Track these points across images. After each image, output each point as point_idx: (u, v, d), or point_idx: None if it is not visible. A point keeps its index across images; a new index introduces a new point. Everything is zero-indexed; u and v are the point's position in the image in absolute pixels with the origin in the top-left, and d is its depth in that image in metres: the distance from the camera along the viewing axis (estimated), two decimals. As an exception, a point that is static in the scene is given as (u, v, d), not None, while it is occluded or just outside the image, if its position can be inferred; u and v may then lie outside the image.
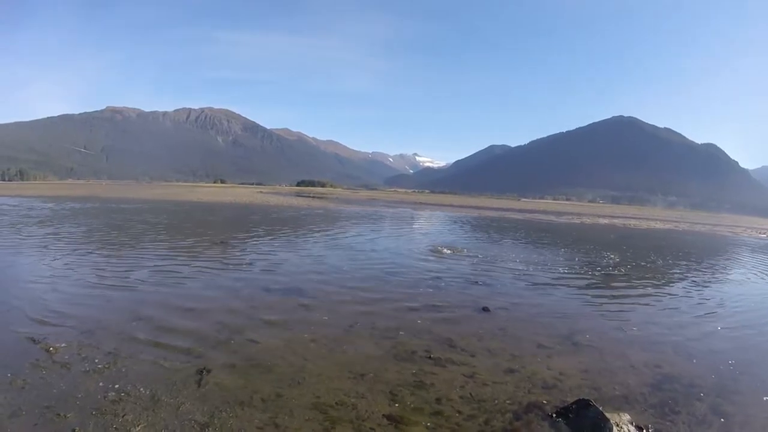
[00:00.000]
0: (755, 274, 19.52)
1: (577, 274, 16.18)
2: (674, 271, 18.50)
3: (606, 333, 9.44)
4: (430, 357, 7.42)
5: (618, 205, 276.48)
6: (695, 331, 9.92)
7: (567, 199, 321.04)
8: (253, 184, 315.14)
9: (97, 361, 6.59)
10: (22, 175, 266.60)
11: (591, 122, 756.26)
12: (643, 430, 5.43)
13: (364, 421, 5.34)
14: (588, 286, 14.24)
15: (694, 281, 16.37)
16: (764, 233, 54.59)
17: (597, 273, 16.56)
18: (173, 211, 38.67)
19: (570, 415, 5.59)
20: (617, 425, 5.28)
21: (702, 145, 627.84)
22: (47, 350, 6.88)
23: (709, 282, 16.59)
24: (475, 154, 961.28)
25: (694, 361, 8.01)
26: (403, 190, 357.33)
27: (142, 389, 5.79)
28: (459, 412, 5.69)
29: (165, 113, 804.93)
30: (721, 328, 10.35)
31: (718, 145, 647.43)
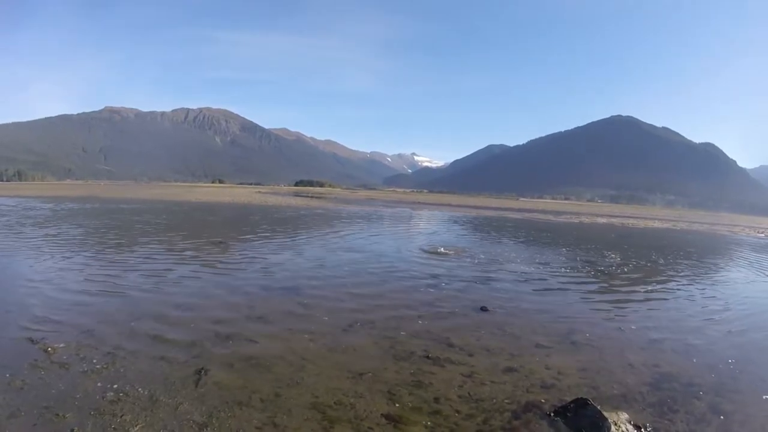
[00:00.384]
0: (754, 273, 19.54)
1: (577, 273, 16.18)
2: (674, 270, 18.50)
3: (604, 332, 9.44)
4: (428, 357, 7.42)
5: (616, 204, 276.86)
6: (694, 330, 9.92)
7: (566, 199, 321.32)
8: (251, 184, 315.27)
9: (95, 361, 6.59)
10: (20, 176, 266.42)
11: (589, 122, 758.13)
12: (641, 428, 5.44)
13: (362, 421, 5.34)
14: (587, 286, 14.23)
15: (694, 280, 16.38)
16: (762, 232, 54.63)
17: (597, 272, 16.56)
18: (172, 212, 38.64)
19: (568, 414, 5.59)
20: (615, 424, 5.28)
21: (700, 144, 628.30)
22: (46, 351, 6.87)
23: (708, 281, 16.60)
24: (473, 153, 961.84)
25: (693, 360, 8.01)
26: (402, 189, 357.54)
27: (140, 389, 5.79)
28: (457, 411, 5.69)
29: (163, 113, 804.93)
30: (720, 327, 10.36)
31: (717, 144, 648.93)
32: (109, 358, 6.70)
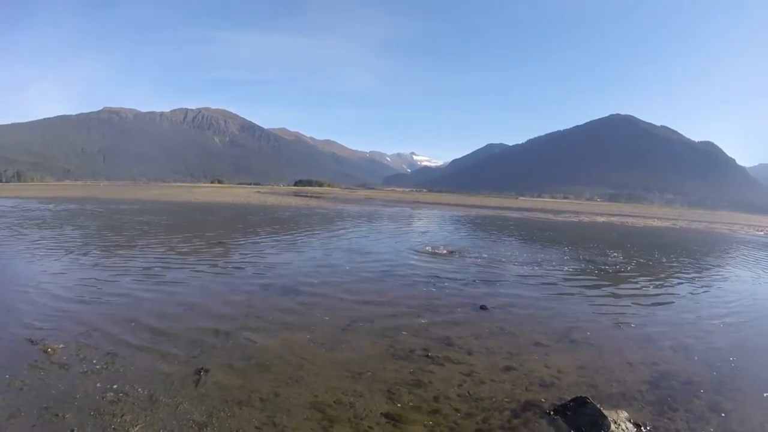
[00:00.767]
0: (754, 271, 19.56)
1: (577, 272, 16.20)
2: (675, 268, 18.52)
3: (604, 330, 9.45)
4: (428, 355, 7.43)
5: (615, 203, 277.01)
6: (693, 328, 9.93)
7: (565, 198, 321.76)
8: (250, 184, 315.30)
9: (95, 361, 6.59)
10: (19, 177, 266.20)
11: (588, 120, 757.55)
12: (640, 427, 5.44)
13: (362, 420, 5.35)
14: (587, 284, 14.24)
15: (693, 279, 16.41)
16: (762, 230, 54.73)
17: (597, 271, 16.58)
18: (171, 212, 38.62)
19: (568, 413, 5.60)
20: (615, 422, 5.29)
21: (699, 143, 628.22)
22: (45, 351, 6.87)
23: (707, 279, 16.62)
24: (472, 152, 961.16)
25: (692, 358, 8.02)
26: (401, 189, 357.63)
27: (140, 389, 5.80)
28: (457, 410, 5.70)
29: (162, 114, 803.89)
30: (720, 325, 10.38)
31: (716, 143, 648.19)
32: (108, 359, 6.70)
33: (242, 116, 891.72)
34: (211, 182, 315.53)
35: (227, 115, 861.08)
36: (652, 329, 9.73)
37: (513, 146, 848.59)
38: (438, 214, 52.51)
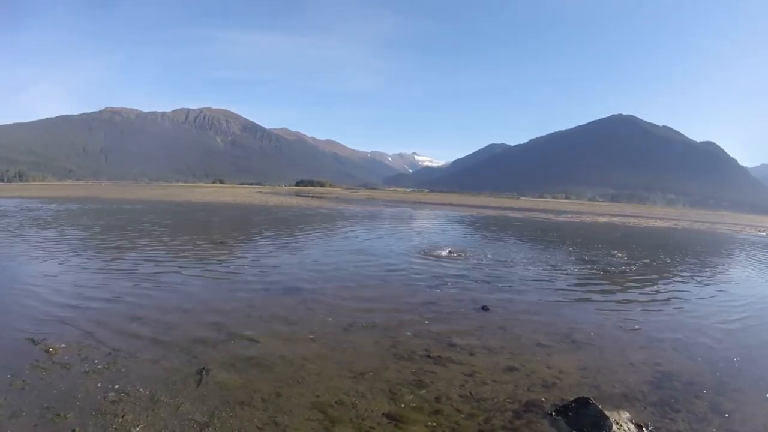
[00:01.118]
0: (755, 271, 19.56)
1: (579, 272, 16.18)
2: (677, 269, 18.51)
3: (606, 331, 9.44)
4: (429, 356, 7.43)
5: (617, 203, 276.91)
6: (695, 329, 9.91)
7: (566, 198, 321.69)
8: (252, 184, 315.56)
9: (96, 361, 6.59)
10: (21, 177, 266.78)
11: (590, 121, 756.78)
12: (642, 427, 5.43)
13: (363, 420, 5.34)
14: (588, 285, 14.21)
15: (695, 279, 16.39)
16: (763, 231, 54.72)
17: (599, 271, 16.56)
18: (173, 212, 38.67)
19: (569, 413, 5.59)
20: (617, 423, 5.28)
21: (701, 143, 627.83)
22: (47, 351, 6.88)
23: (709, 280, 16.59)
24: (474, 153, 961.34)
25: (695, 359, 8.00)
26: (402, 189, 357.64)
27: (141, 389, 5.79)
28: (459, 410, 5.69)
29: (164, 114, 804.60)
30: (722, 325, 10.37)
31: (717, 143, 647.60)
32: (110, 359, 6.70)
33: (244, 116, 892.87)
34: (213, 182, 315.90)
35: (229, 115, 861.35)
36: (655, 330, 9.72)
37: (515, 146, 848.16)
38: (440, 214, 52.50)
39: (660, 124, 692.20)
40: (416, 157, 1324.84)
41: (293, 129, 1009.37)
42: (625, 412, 5.64)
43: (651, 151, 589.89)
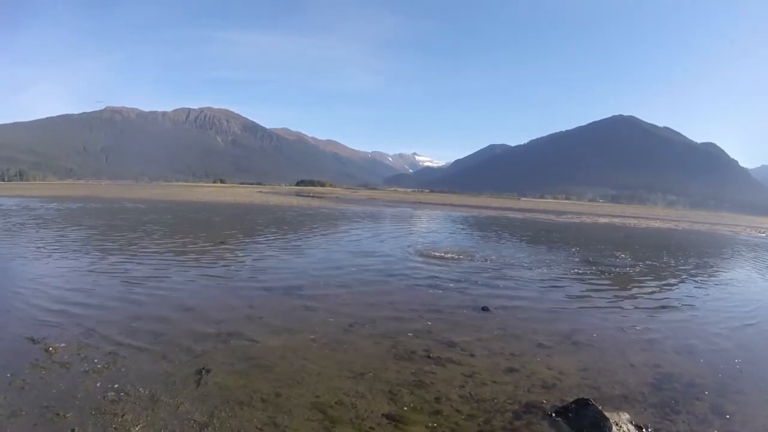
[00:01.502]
0: (756, 272, 19.58)
1: (579, 273, 16.17)
2: (680, 270, 18.48)
3: (606, 332, 9.43)
4: (429, 356, 7.42)
5: (618, 204, 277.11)
6: (696, 330, 9.91)
7: (567, 198, 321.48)
8: (252, 183, 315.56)
9: (96, 361, 6.59)
10: (21, 176, 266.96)
11: (591, 121, 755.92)
12: (642, 429, 5.43)
13: (363, 421, 5.34)
14: (590, 286, 14.21)
15: (696, 280, 16.38)
16: (764, 232, 54.78)
17: (600, 273, 16.55)
18: (173, 211, 38.70)
19: (569, 415, 5.59)
20: (617, 424, 5.28)
21: (701, 144, 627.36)
22: (47, 350, 6.88)
23: (710, 281, 16.59)
24: (474, 153, 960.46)
25: (695, 360, 8.00)
26: (403, 189, 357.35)
27: (141, 389, 5.79)
28: (458, 411, 5.68)
29: (164, 113, 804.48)
30: (723, 326, 10.36)
31: (718, 144, 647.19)
32: (110, 358, 6.70)
33: (244, 116, 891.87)
34: (213, 182, 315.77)
35: (229, 115, 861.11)
36: (655, 331, 9.71)
37: (515, 147, 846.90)
38: (440, 214, 52.53)
39: (660, 124, 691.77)
40: (417, 158, 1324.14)
41: (294, 129, 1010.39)
42: (625, 413, 5.63)
43: (651, 152, 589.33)
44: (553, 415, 5.66)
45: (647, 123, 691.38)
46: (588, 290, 13.55)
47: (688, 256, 23.90)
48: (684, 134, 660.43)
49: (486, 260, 17.75)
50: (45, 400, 5.40)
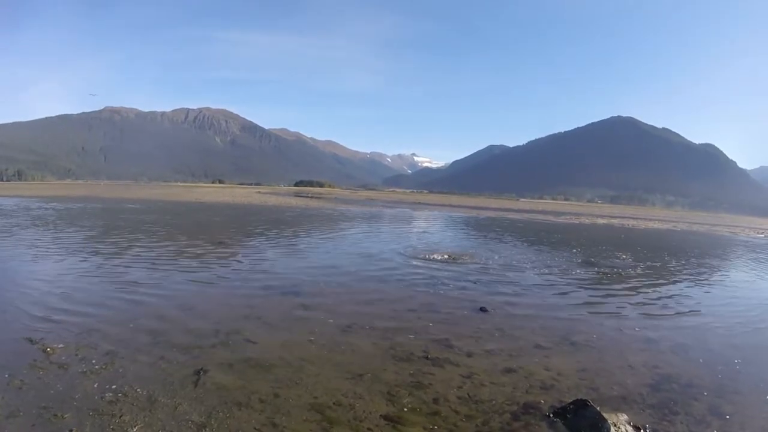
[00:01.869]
0: (756, 273, 19.61)
1: (578, 274, 16.15)
2: (680, 271, 18.50)
3: (604, 333, 9.43)
4: (427, 357, 7.42)
5: (616, 204, 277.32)
6: (695, 331, 9.92)
7: (565, 199, 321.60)
8: (251, 184, 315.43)
9: (94, 361, 6.59)
10: (20, 176, 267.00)
11: (589, 122, 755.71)
12: (640, 430, 5.43)
13: (361, 422, 5.33)
14: (588, 287, 14.21)
15: (694, 281, 16.39)
16: (762, 233, 54.85)
17: (598, 273, 16.56)
18: (171, 212, 38.74)
19: (568, 416, 5.59)
20: (615, 425, 5.28)
21: (700, 145, 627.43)
22: (45, 351, 6.87)
23: (709, 282, 16.61)
24: (473, 154, 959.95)
25: (693, 361, 8.00)
26: (402, 190, 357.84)
27: (139, 390, 5.79)
28: (456, 412, 5.69)
29: (163, 113, 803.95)
30: (721, 327, 10.37)
31: (717, 145, 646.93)
32: (108, 359, 6.69)
33: (243, 116, 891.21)
34: (212, 182, 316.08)
35: (228, 115, 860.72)
36: (654, 332, 9.72)
37: (514, 147, 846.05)
38: (439, 215, 52.55)
39: (659, 125, 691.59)
40: (415, 158, 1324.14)
41: (292, 129, 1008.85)
42: (624, 414, 5.64)
43: (650, 153, 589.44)
44: (552, 416, 5.66)
45: (646, 124, 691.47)
46: (587, 291, 13.55)
47: (687, 256, 23.91)
48: (683, 135, 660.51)
49: (484, 261, 17.75)
50: (43, 401, 5.40)
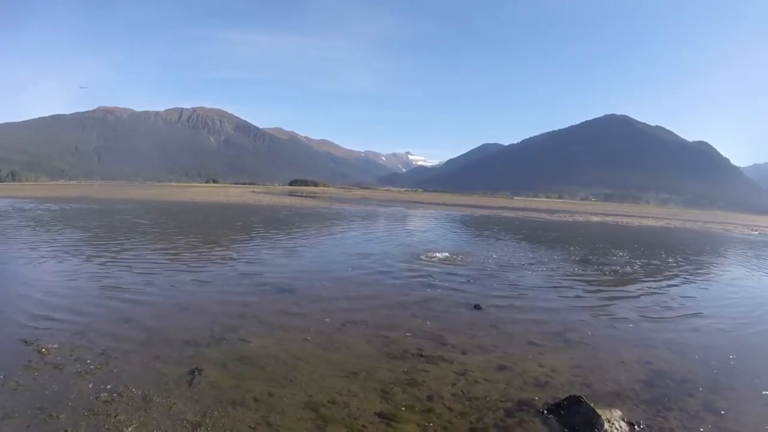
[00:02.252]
0: (749, 269, 19.70)
1: (572, 271, 16.20)
2: (676, 267, 18.58)
3: (598, 330, 9.47)
4: (421, 355, 7.44)
5: (610, 202, 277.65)
6: (687, 327, 9.97)
7: (559, 197, 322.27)
8: (245, 183, 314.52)
9: (89, 362, 6.58)
10: (13, 176, 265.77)
11: (583, 120, 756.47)
12: (634, 426, 5.46)
13: (356, 420, 5.35)
14: (581, 283, 14.24)
15: (690, 278, 16.47)
16: (756, 230, 55.09)
17: (593, 270, 16.59)
18: (165, 212, 38.63)
19: (562, 412, 5.61)
20: (609, 421, 5.31)
21: (694, 142, 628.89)
22: (39, 351, 6.86)
23: (704, 278, 16.67)
24: (467, 152, 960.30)
25: (687, 357, 8.04)
26: (396, 188, 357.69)
27: (134, 389, 5.79)
28: (451, 409, 5.70)
29: (157, 113, 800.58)
30: (714, 324, 10.40)
31: (710, 143, 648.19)
32: (102, 359, 6.69)
33: (237, 116, 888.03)
34: (206, 182, 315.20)
35: (222, 115, 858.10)
36: (648, 328, 9.76)
37: (508, 146, 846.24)
38: (433, 213, 52.54)
39: (653, 123, 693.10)
40: (410, 157, 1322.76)
41: (287, 128, 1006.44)
42: (617, 410, 5.66)
43: (644, 151, 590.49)
44: (545, 412, 5.69)
45: (639, 122, 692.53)
46: (582, 288, 13.59)
47: (683, 254, 23.99)
48: (676, 133, 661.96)
49: (479, 259, 17.78)
50: (38, 401, 5.40)
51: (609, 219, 59.81)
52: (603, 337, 9.03)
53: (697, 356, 8.09)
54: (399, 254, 18.28)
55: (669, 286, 14.83)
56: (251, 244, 19.95)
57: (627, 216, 74.59)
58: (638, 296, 12.95)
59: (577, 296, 12.55)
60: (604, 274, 16.03)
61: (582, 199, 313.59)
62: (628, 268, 17.52)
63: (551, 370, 7.05)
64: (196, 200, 59.61)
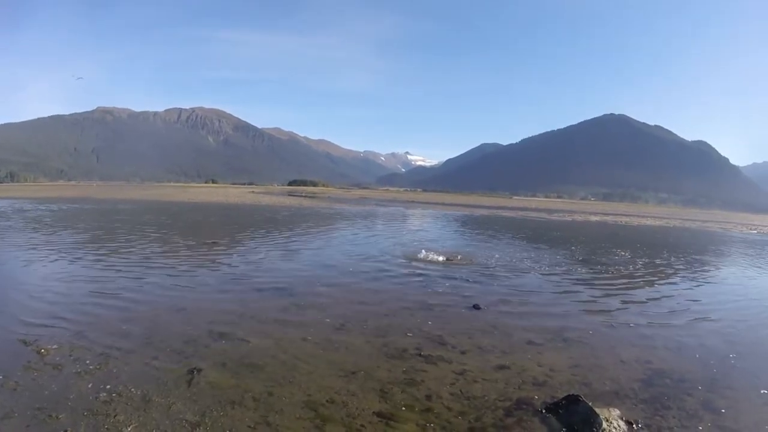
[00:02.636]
0: (750, 268, 19.74)
1: (572, 271, 16.22)
2: (670, 266, 18.58)
3: (597, 329, 9.47)
4: (420, 354, 7.44)
5: (609, 202, 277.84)
6: (686, 326, 9.97)
7: (558, 197, 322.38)
8: (244, 183, 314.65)
9: (88, 362, 6.58)
10: (12, 177, 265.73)
11: (582, 120, 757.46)
12: (633, 425, 5.46)
13: (354, 419, 5.35)
14: (579, 283, 14.26)
15: (689, 277, 16.48)
16: (755, 229, 55.20)
17: (590, 269, 16.61)
18: (164, 212, 38.58)
19: (560, 411, 5.62)
20: (607, 420, 5.31)
21: (693, 142, 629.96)
22: (39, 352, 6.86)
23: (703, 277, 16.65)
24: (467, 152, 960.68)
25: (686, 356, 8.05)
26: (395, 188, 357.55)
27: (133, 389, 5.79)
28: (449, 408, 5.71)
29: (156, 113, 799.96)
30: (713, 323, 10.41)
31: (709, 142, 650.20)
32: (102, 359, 6.69)
33: (236, 116, 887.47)
34: (205, 182, 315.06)
35: (221, 115, 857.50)
36: (647, 327, 9.76)
37: (507, 146, 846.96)
38: (432, 213, 52.56)
39: (652, 123, 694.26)
40: (409, 157, 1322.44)
41: (286, 128, 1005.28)
42: (616, 409, 5.67)
43: (643, 151, 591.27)
44: (544, 411, 5.69)
45: (638, 121, 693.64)
46: (581, 287, 13.61)
47: (683, 253, 24.01)
48: (675, 132, 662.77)
49: (478, 259, 17.78)
50: (38, 402, 5.39)
51: (608, 218, 59.90)
52: (602, 336, 9.03)
53: (696, 355, 8.10)
54: (398, 254, 18.28)
55: (669, 285, 14.85)
56: (251, 244, 19.94)
57: (626, 215, 74.69)
58: (638, 295, 12.96)
59: (577, 295, 12.55)
60: (604, 273, 16.04)
61: (581, 199, 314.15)
62: (630, 267, 17.54)
63: (550, 370, 7.06)
64: (195, 200, 59.57)
